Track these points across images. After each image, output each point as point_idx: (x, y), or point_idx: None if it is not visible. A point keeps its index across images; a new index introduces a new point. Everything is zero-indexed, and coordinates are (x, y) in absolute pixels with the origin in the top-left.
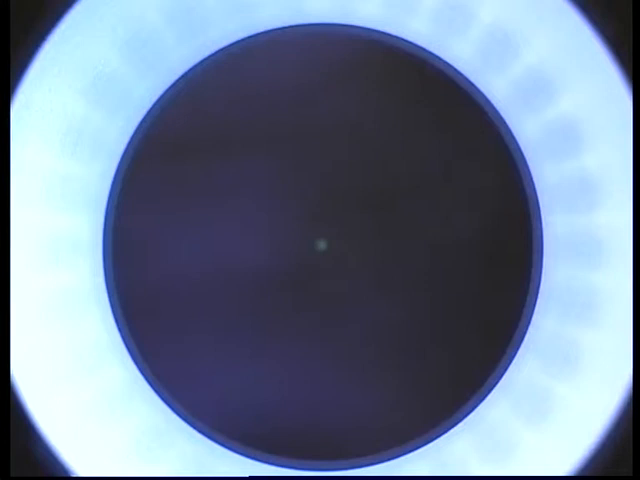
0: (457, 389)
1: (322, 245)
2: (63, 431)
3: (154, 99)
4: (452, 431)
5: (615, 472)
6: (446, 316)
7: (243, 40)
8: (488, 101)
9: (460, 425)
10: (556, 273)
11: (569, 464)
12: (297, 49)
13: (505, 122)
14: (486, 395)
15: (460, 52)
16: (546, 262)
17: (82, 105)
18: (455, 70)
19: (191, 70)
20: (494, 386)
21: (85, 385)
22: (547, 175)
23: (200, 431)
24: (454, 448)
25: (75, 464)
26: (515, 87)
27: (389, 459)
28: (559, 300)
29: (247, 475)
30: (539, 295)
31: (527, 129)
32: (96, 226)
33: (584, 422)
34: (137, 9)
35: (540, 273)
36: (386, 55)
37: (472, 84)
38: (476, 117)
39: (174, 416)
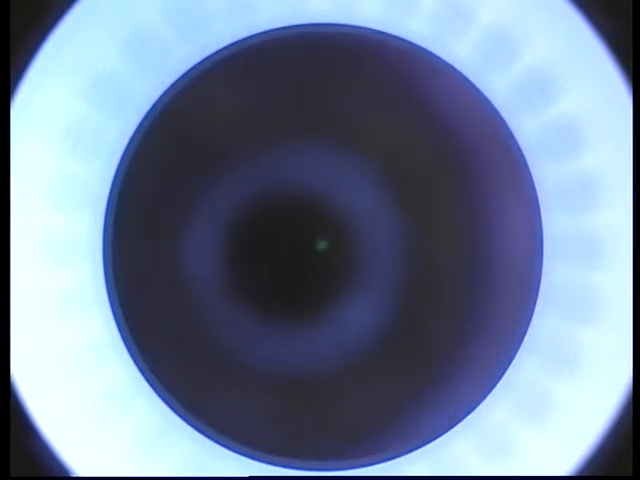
0: (457, 389)
1: (322, 245)
2: (63, 431)
3: (154, 99)
4: (452, 431)
5: (615, 472)
6: (446, 316)
7: (243, 40)
8: (488, 101)
9: (460, 425)
10: (556, 273)
11: (569, 464)
12: (297, 49)
13: (505, 122)
14: (486, 395)
15: (460, 52)
16: (546, 262)
17: (82, 105)
18: (455, 70)
19: (191, 70)
20: (494, 386)
21: (85, 385)
22: (547, 175)
23: (200, 431)
24: (454, 448)
25: (75, 464)
26: (515, 87)
27: (389, 459)
28: (559, 300)
29: (247, 475)
30: (539, 295)
31: (527, 129)
32: (96, 226)
33: (584, 422)
34: (137, 9)
35: (540, 273)
36: (386, 55)
37: (472, 84)
38: (476, 117)
39: (174, 416)
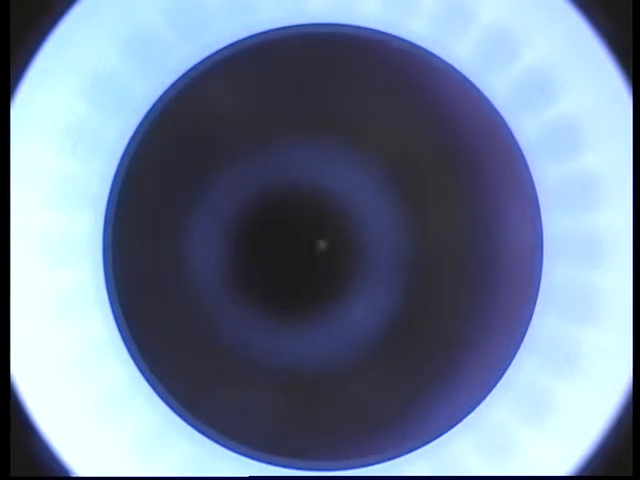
0: (457, 389)
1: (323, 244)
2: (63, 431)
3: (154, 99)
4: (452, 431)
5: (615, 472)
6: (446, 316)
7: (243, 40)
8: (488, 101)
9: (460, 425)
10: (556, 273)
11: (569, 464)
12: (297, 49)
13: (505, 122)
14: (486, 395)
15: (460, 52)
16: (546, 262)
17: (82, 105)
18: (455, 70)
19: (191, 70)
20: (494, 386)
21: (85, 385)
22: (547, 175)
23: (200, 431)
24: (454, 448)
25: (75, 464)
26: (515, 87)
27: (389, 459)
28: (559, 300)
29: (247, 475)
30: (539, 295)
31: (527, 129)
32: (96, 226)
33: (584, 422)
34: (137, 9)
35: (540, 273)
36: (386, 55)
37: (472, 84)
38: (476, 117)
39: (174, 416)
